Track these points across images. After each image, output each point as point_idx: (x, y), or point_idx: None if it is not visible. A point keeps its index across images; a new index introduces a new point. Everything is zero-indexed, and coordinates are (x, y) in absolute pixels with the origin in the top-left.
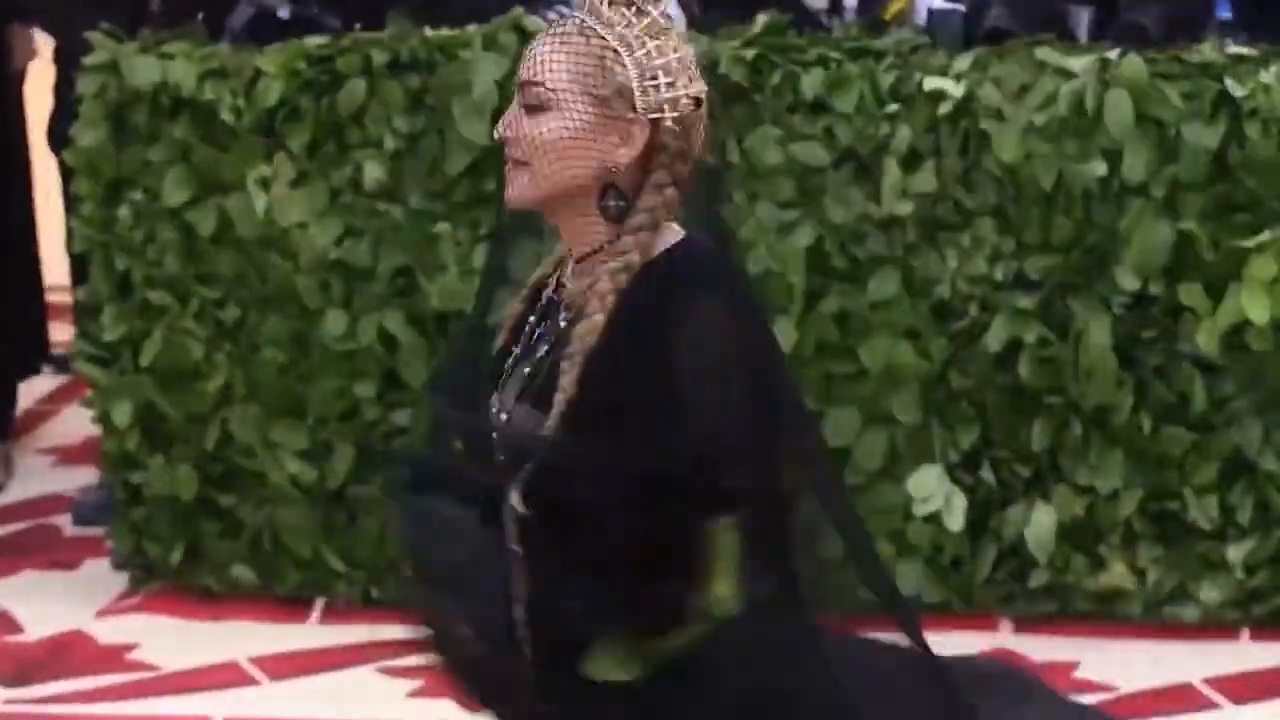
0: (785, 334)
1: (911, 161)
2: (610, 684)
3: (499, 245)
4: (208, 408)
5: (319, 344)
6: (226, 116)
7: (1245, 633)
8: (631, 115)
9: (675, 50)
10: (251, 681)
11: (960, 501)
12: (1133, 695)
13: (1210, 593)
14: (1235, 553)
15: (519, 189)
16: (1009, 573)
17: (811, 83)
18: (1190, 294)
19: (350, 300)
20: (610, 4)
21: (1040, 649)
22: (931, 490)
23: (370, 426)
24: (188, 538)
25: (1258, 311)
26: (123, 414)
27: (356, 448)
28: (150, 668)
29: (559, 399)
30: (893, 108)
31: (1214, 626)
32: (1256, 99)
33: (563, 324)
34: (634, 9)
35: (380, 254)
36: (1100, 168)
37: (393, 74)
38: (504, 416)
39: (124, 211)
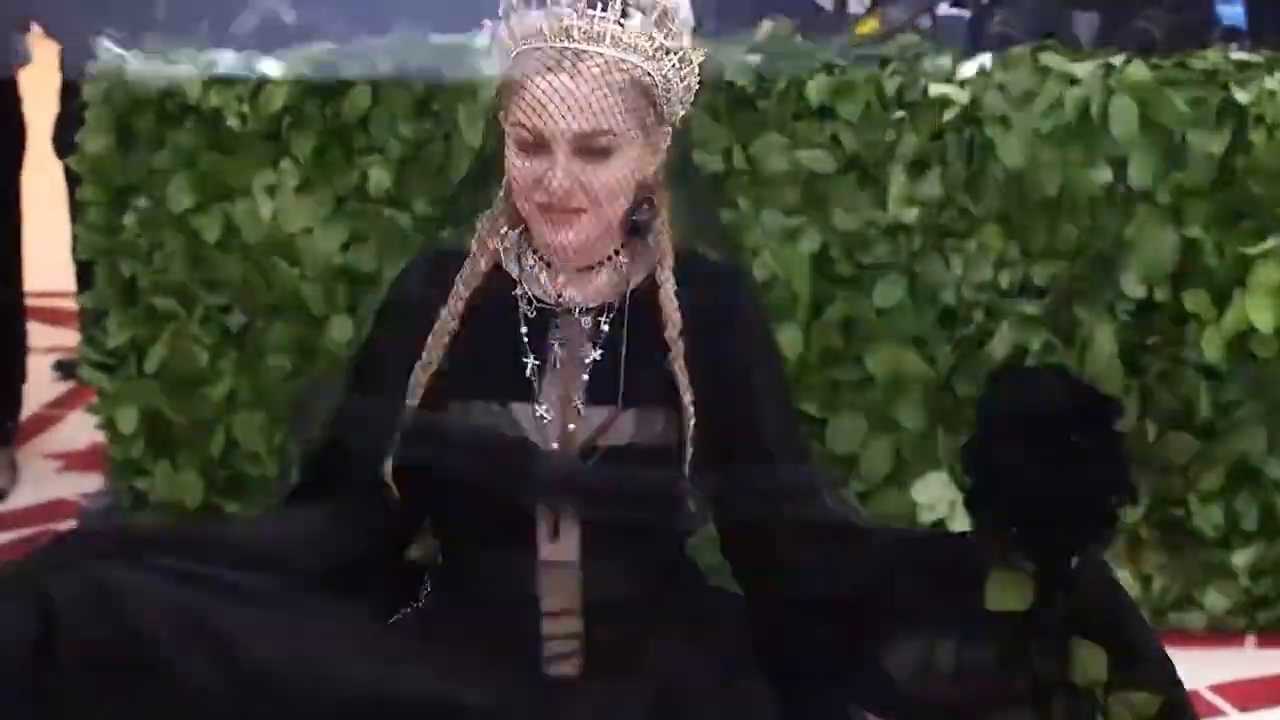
0: (791, 341)
1: (917, 168)
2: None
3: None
4: (213, 414)
5: (324, 350)
6: (232, 123)
7: (1250, 640)
8: (661, 128)
9: (691, 58)
10: None
11: None
12: None
13: (1215, 600)
14: (1240, 560)
15: (584, 234)
16: None
17: (817, 89)
18: (1195, 300)
19: (356, 306)
20: (626, 28)
21: None
22: (937, 497)
23: None
24: None
25: (1263, 318)
26: (128, 420)
27: None
28: None
29: (686, 399)
30: (898, 114)
31: (1219, 634)
32: (1262, 105)
33: (603, 327)
34: (665, 32)
35: (386, 260)
36: (1105, 174)
37: (398, 80)
38: (570, 425)
39: (129, 218)
